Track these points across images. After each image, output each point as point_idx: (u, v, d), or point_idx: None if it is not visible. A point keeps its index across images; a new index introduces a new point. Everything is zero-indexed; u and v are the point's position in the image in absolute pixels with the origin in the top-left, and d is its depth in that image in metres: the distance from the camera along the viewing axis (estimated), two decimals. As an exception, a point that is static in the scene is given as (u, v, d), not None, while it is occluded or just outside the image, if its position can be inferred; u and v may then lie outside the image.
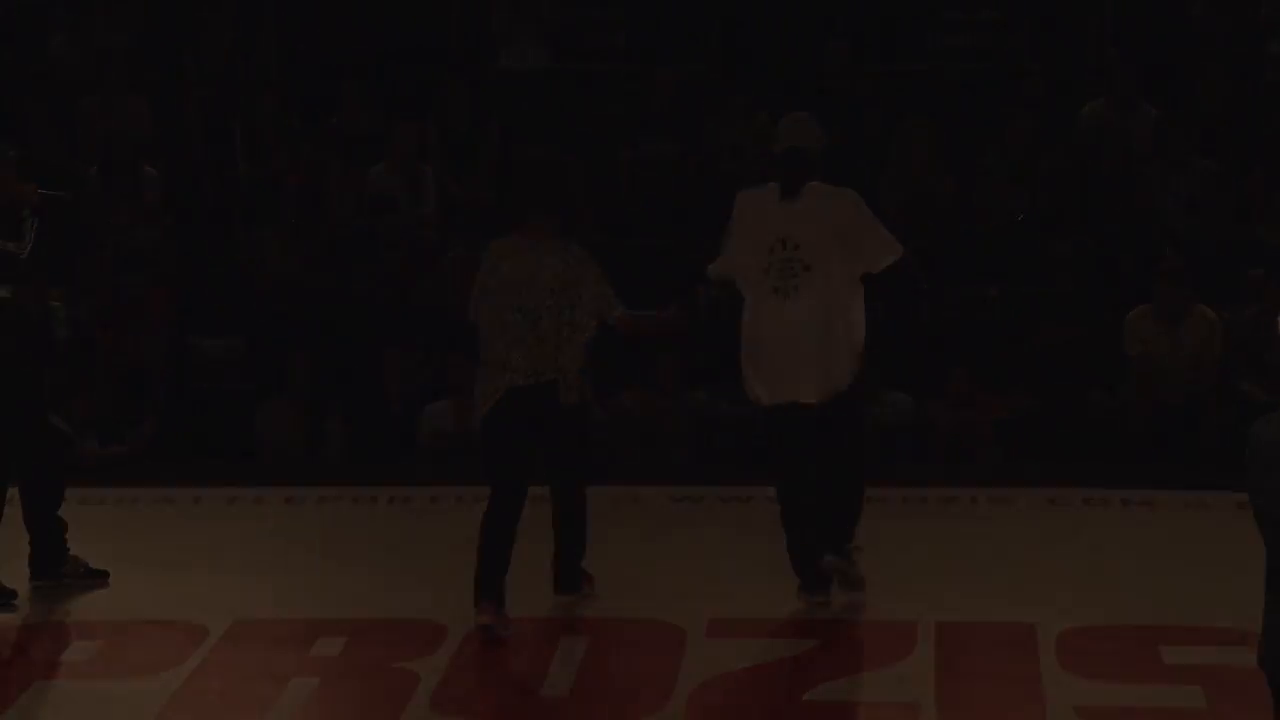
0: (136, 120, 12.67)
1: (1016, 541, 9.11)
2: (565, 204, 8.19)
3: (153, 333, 11.42)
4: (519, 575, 8.61)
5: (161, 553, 8.82)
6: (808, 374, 8.07)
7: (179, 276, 11.91)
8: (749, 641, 7.85)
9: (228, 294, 11.94)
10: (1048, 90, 12.79)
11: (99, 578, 8.29)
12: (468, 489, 9.89)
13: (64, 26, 13.64)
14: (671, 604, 8.20)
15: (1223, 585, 8.37)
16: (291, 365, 11.15)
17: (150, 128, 12.66)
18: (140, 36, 13.70)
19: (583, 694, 7.46)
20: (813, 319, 8.04)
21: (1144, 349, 11.02)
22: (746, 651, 7.75)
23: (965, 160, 12.40)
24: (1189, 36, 13.42)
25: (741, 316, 8.28)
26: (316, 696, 7.47)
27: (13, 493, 8.23)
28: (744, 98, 12.85)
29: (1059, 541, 9.08)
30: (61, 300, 8.73)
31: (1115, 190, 12.15)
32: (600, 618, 8.13)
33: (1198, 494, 9.71)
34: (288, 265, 11.93)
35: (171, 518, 9.57)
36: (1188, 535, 9.18)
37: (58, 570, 8.25)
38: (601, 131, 13.01)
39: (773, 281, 8.10)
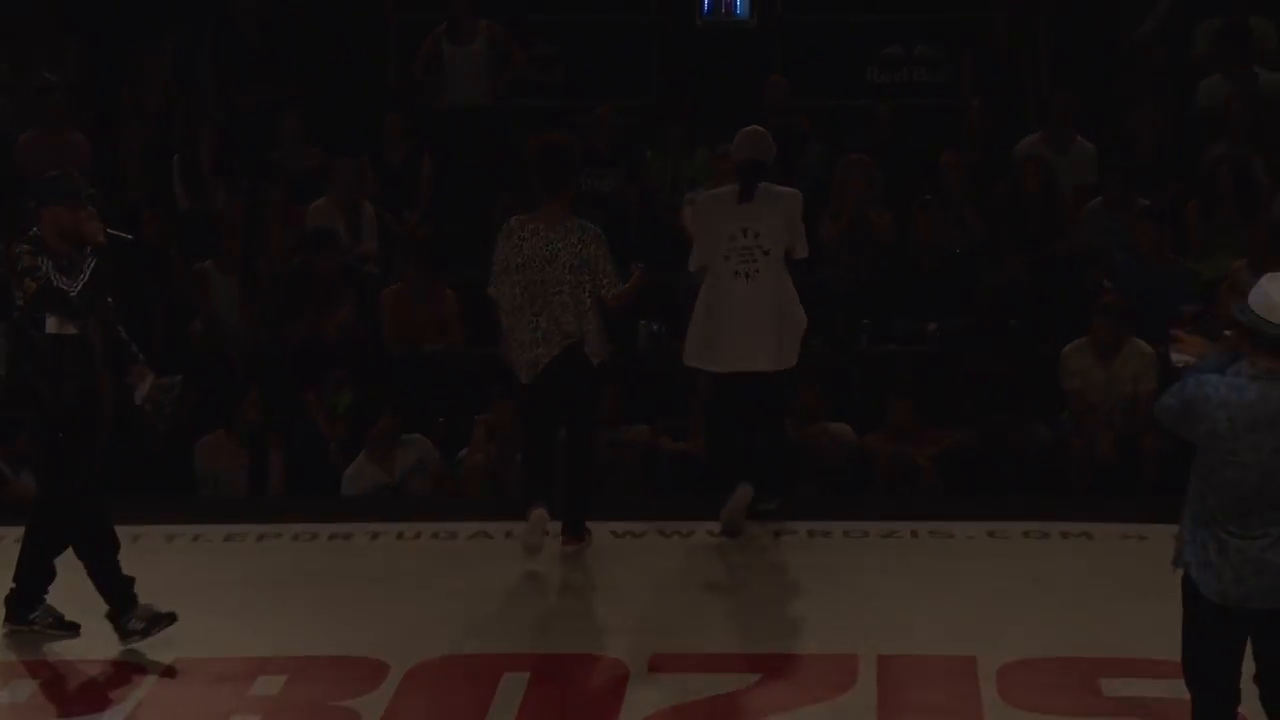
0: (75, 154, 12.61)
1: (957, 574, 9.12)
2: (575, 185, 9.51)
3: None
4: (466, 615, 8.60)
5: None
6: (765, 345, 9.36)
7: (116, 311, 11.80)
8: (692, 676, 7.83)
9: (166, 328, 11.87)
10: (985, 125, 12.87)
11: (69, 631, 8.18)
12: (408, 525, 9.90)
13: (5, 59, 13.60)
14: (614, 639, 8.19)
15: (1161, 617, 8.39)
16: (231, 401, 11.09)
17: (89, 162, 12.61)
18: (79, 72, 13.67)
19: (525, 730, 7.47)
20: (771, 298, 9.39)
21: (1080, 383, 11.09)
22: (689, 686, 7.73)
23: (903, 195, 12.46)
24: (1124, 73, 13.55)
25: (699, 301, 9.52)
26: (258, 735, 7.46)
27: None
28: (683, 131, 12.90)
29: (999, 574, 9.10)
30: None
31: (1052, 224, 12.23)
32: (542, 653, 8.10)
33: (1136, 526, 9.76)
34: (227, 300, 11.88)
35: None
36: (1126, 567, 9.22)
37: (25, 616, 8.16)
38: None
39: (735, 265, 9.39)
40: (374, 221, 12.46)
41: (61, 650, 8.08)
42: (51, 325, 7.72)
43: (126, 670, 7.83)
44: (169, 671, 7.85)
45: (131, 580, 8.03)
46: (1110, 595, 8.77)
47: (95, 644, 8.09)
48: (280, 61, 13.81)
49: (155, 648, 8.03)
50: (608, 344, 9.27)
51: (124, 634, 7.98)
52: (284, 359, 11.57)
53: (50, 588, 8.19)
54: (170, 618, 7.98)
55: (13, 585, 8.16)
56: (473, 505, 10.42)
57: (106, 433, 8.12)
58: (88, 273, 7.72)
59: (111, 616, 7.99)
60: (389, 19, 13.84)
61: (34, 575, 8.13)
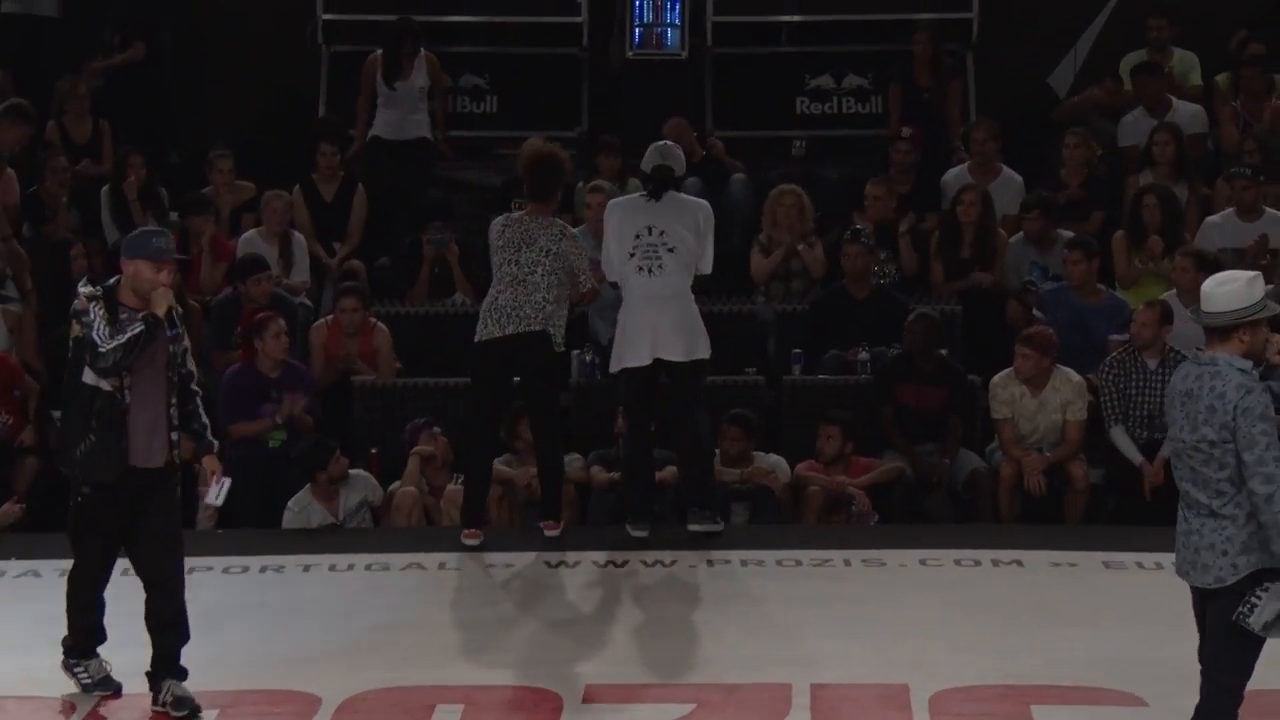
0: (5, 191, 12.53)
1: (889, 602, 9.16)
2: (561, 189, 10.22)
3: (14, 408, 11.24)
4: (398, 647, 8.57)
5: (29, 629, 8.64)
6: (672, 335, 9.83)
7: (43, 349, 11.73)
8: (626, 707, 7.86)
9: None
10: (914, 157, 12.94)
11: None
12: (340, 558, 9.85)
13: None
14: (548, 670, 8.19)
15: (1091, 643, 8.48)
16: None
17: (17, 198, 12.51)
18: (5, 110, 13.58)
19: (459, 762, 7.47)
20: (676, 291, 9.88)
21: (1009, 412, 11.15)
22: (623, 717, 7.76)
23: (832, 226, 12.52)
24: (1050, 108, 13.68)
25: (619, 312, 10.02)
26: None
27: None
28: (614, 163, 12.92)
29: (931, 602, 9.14)
30: None
31: (987, 253, 12.30)
32: (476, 685, 8.09)
33: (1065, 554, 9.83)
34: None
35: (38, 589, 9.36)
36: (1057, 595, 9.27)
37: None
38: (476, 196, 13.04)
39: (638, 261, 9.89)
40: (306, 254, 12.42)
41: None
42: (88, 375, 7.64)
43: (55, 706, 7.81)
44: (101, 704, 7.80)
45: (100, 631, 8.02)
46: (1041, 623, 8.82)
47: (38, 677, 8.04)
48: (211, 94, 13.79)
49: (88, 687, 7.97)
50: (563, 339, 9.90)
51: (68, 669, 7.95)
52: (215, 391, 11.47)
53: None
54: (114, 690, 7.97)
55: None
56: (405, 537, 10.38)
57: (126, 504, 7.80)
58: (129, 334, 7.54)
59: (68, 650, 7.97)
60: (319, 51, 13.79)
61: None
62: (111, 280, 7.81)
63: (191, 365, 7.97)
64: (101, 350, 7.55)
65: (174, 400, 7.78)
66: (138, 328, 7.57)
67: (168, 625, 7.85)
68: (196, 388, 8.01)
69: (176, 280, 8.17)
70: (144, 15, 13.98)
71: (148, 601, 7.86)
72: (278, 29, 13.95)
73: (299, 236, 12.41)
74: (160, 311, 7.62)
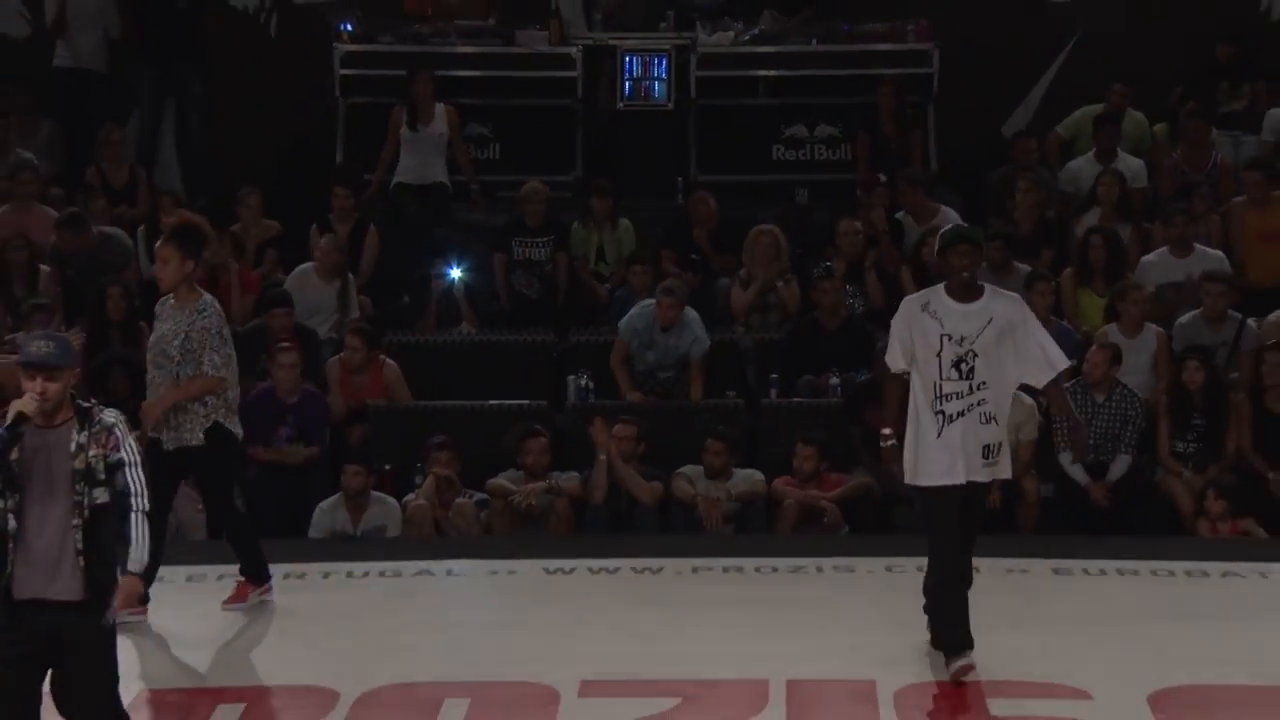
0: (44, 228, 12.57)
1: (858, 606, 9.17)
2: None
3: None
4: (410, 647, 8.57)
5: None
6: None
7: (82, 371, 11.72)
8: (617, 700, 7.84)
9: (133, 390, 11.77)
10: (878, 199, 13.00)
11: None
12: (357, 565, 9.87)
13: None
14: (546, 667, 8.18)
15: (1041, 643, 8.51)
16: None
17: (53, 234, 12.53)
18: (50, 151, 13.64)
19: (466, 752, 7.47)
20: None
21: (968, 433, 11.15)
22: (615, 710, 7.74)
23: (806, 262, 12.57)
24: (1005, 154, 13.75)
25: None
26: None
27: None
28: (606, 205, 12.98)
29: (896, 605, 9.13)
30: None
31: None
32: (481, 681, 8.08)
33: (1018, 561, 9.85)
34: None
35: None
36: (1011, 599, 9.29)
37: None
38: (480, 235, 13.09)
39: None
40: (354, 293, 12.34)
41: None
42: None
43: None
44: (135, 703, 7.80)
45: None
46: (996, 624, 8.81)
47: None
48: (238, 140, 13.84)
49: (123, 680, 7.97)
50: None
51: None
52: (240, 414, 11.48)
53: None
54: None
55: None
56: (416, 547, 10.40)
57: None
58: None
59: None
60: (336, 102, 13.84)
61: None
62: None
63: (130, 481, 6.25)
64: None
65: (77, 522, 6.15)
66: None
67: None
68: (134, 504, 6.27)
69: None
70: (177, 71, 14.04)
71: None
72: (299, 83, 13.99)
73: (352, 278, 12.37)
74: (10, 414, 6.11)
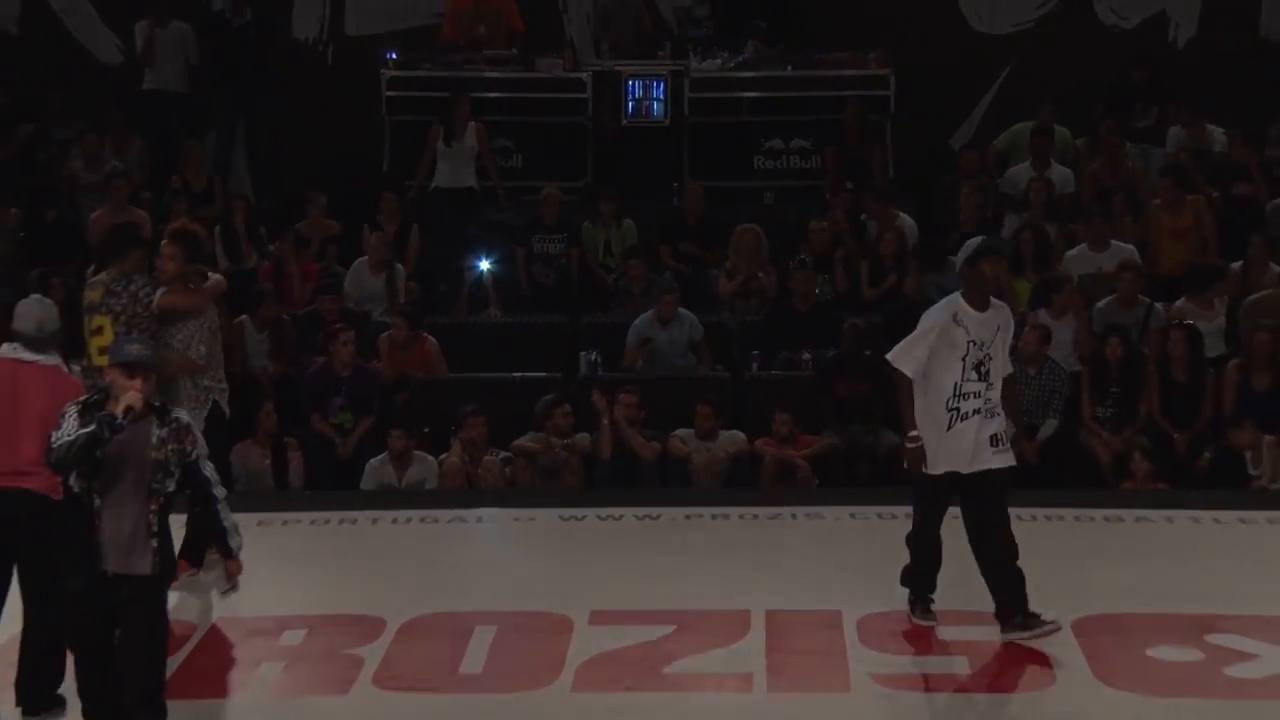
0: (138, 228, 12.49)
1: (826, 548, 9.15)
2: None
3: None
4: (446, 582, 8.57)
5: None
6: None
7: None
8: (622, 628, 7.83)
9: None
10: (844, 203, 12.97)
11: None
12: (400, 513, 9.87)
13: (81, 155, 13.52)
14: (562, 600, 8.18)
15: (979, 579, 8.50)
16: (259, 417, 11.03)
17: (149, 234, 12.49)
18: (141, 162, 13.62)
19: (493, 670, 7.44)
20: None
21: (920, 400, 11.14)
22: (620, 636, 7.74)
23: (782, 255, 12.55)
24: (952, 164, 13.71)
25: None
26: (283, 676, 7.40)
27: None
28: (611, 207, 12.95)
29: (859, 548, 9.14)
30: None
31: (895, 278, 12.33)
32: (506, 611, 8.10)
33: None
34: (255, 344, 11.78)
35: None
36: (958, 540, 9.26)
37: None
38: (505, 232, 13.07)
39: None
40: (402, 282, 12.30)
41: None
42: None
43: (182, 627, 7.74)
44: (215, 628, 7.81)
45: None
46: (946, 561, 8.74)
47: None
48: (300, 151, 13.81)
49: (204, 610, 7.98)
50: None
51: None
52: (299, 386, 11.50)
53: None
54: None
55: None
56: (452, 496, 10.40)
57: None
58: (85, 431, 5.91)
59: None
60: (383, 119, 13.82)
61: None
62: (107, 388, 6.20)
63: (207, 473, 6.25)
64: (52, 446, 5.97)
65: (154, 508, 6.07)
66: (90, 427, 5.91)
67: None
68: (215, 492, 6.32)
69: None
70: (246, 93, 14.01)
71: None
72: (351, 104, 13.97)
73: (400, 269, 12.36)
74: (119, 410, 5.95)
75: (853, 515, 9.74)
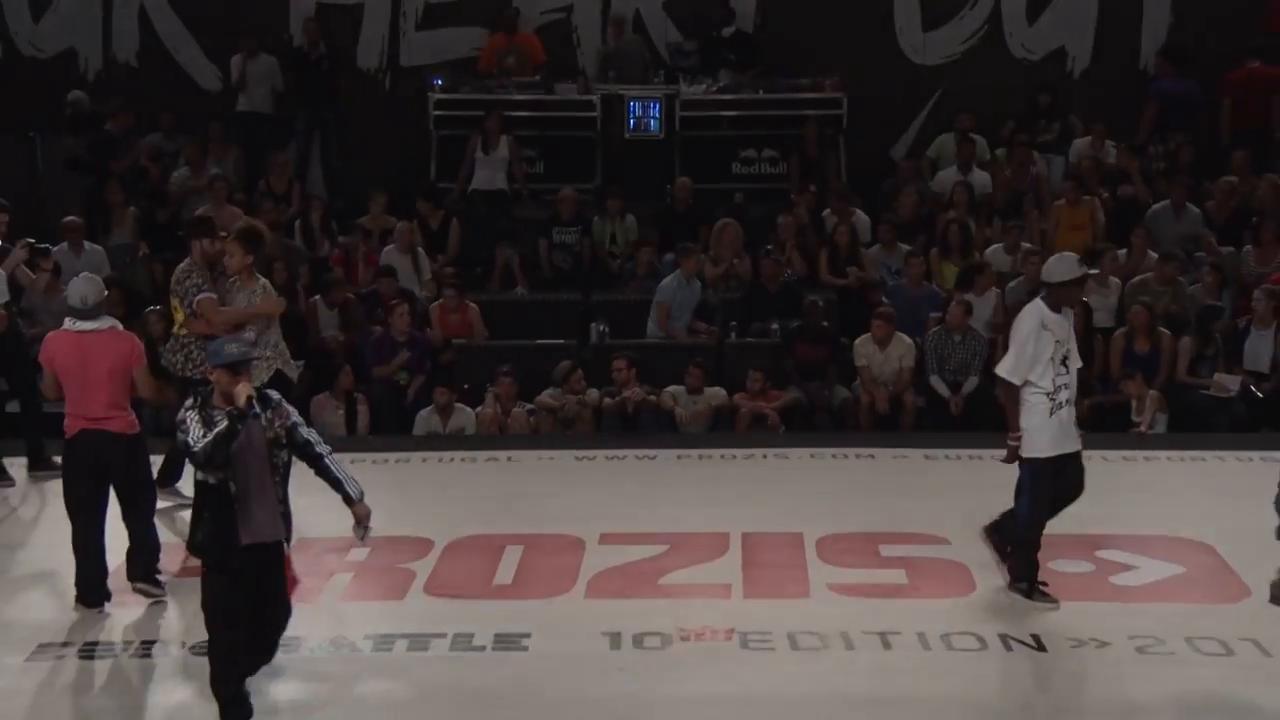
0: (232, 221, 12.39)
1: (791, 481, 9.14)
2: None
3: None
4: (481, 510, 8.52)
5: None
6: None
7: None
8: (626, 547, 7.84)
9: (293, 335, 11.65)
10: (806, 202, 12.86)
11: None
12: (445, 453, 9.82)
13: (187, 164, 13.41)
14: (577, 524, 8.17)
15: (915, 506, 8.47)
16: (331, 375, 10.94)
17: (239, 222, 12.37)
18: (236, 168, 13.50)
19: (521, 581, 7.44)
20: None
21: (866, 363, 11.10)
22: (624, 553, 7.75)
23: (755, 245, 12.44)
24: (893, 170, 13.60)
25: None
26: (351, 585, 7.37)
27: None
28: (618, 205, 12.83)
29: (817, 481, 9.14)
30: None
31: (847, 262, 12.24)
32: (531, 533, 8.07)
33: (902, 450, 9.80)
34: (327, 316, 11.67)
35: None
36: (897, 476, 9.26)
37: None
38: (529, 225, 12.97)
39: None
40: (426, 263, 12.30)
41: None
42: (197, 471, 5.74)
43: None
44: (297, 547, 7.74)
45: None
46: (887, 493, 8.82)
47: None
48: (363, 159, 13.67)
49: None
50: None
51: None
52: (364, 349, 11.40)
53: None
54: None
55: None
56: (487, 440, 10.34)
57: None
58: (219, 429, 5.58)
59: None
60: (431, 134, 13.68)
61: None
62: (207, 389, 5.79)
63: (307, 435, 5.85)
64: (195, 450, 5.61)
65: (277, 479, 5.75)
66: (223, 423, 5.60)
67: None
68: (320, 450, 5.90)
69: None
70: (321, 113, 13.88)
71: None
72: (405, 121, 13.84)
73: (421, 252, 12.29)
74: (241, 403, 5.60)
75: (812, 455, 9.72)
